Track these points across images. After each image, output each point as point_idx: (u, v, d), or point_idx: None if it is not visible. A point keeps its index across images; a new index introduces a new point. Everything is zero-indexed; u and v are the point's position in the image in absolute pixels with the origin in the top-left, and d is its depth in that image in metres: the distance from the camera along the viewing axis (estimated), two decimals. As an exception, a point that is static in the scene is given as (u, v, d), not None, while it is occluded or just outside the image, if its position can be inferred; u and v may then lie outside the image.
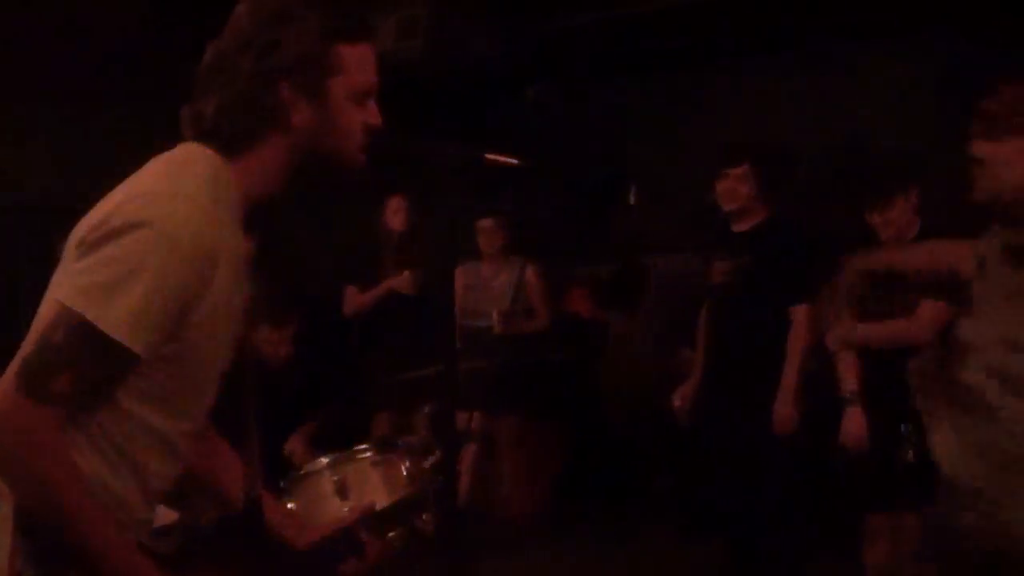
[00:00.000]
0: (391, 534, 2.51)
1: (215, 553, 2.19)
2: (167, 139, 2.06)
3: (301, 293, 6.46)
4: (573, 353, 7.46)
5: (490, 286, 6.71)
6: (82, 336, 1.79)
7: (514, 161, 2.17)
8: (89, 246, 1.84)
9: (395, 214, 6.69)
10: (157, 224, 1.82)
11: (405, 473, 3.94)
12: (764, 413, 4.93)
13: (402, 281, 6.56)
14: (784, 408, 4.90)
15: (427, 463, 3.82)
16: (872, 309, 4.76)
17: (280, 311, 5.01)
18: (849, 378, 4.80)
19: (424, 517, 3.41)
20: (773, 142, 5.34)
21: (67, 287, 1.83)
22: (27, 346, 1.83)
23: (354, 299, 6.80)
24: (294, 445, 4.95)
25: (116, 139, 6.97)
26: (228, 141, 1.98)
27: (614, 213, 8.17)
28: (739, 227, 5.15)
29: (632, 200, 8.08)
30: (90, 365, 1.81)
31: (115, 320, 1.79)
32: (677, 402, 5.43)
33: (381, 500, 3.09)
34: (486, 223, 6.74)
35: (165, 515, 2.35)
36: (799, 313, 4.97)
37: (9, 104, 6.67)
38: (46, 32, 6.24)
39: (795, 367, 4.94)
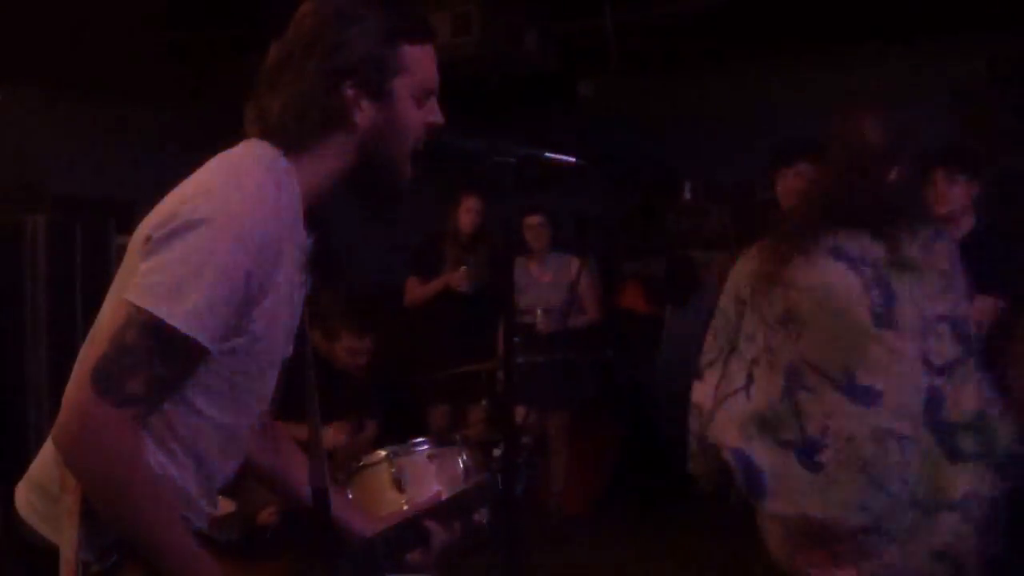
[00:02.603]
0: (453, 525, 2.52)
1: (279, 544, 2.21)
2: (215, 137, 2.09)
3: (380, 298, 6.53)
4: (626, 349, 7.46)
5: (540, 283, 6.73)
6: (154, 334, 1.81)
7: (572, 160, 2.18)
8: (156, 244, 1.85)
9: (467, 213, 6.72)
10: (221, 220, 1.84)
11: (462, 467, 4.00)
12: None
13: (458, 277, 6.60)
14: None
15: (484, 457, 3.87)
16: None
17: (361, 319, 4.97)
18: None
19: (480, 511, 3.45)
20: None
21: (136, 286, 1.84)
22: (98, 347, 1.84)
23: (414, 290, 6.86)
24: (332, 434, 4.98)
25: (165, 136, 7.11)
26: (292, 139, 2.00)
27: (668, 209, 8.16)
28: None
29: (687, 196, 8.06)
30: (163, 363, 1.82)
31: (185, 316, 1.81)
32: None
33: (439, 493, 3.11)
34: (533, 219, 6.75)
35: (223, 506, 2.39)
36: None
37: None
38: (82, 29, 6.32)
39: None
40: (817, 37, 7.10)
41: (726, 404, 3.43)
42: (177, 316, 1.80)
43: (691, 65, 7.86)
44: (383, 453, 4.00)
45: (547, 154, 2.15)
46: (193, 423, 1.96)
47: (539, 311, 6.51)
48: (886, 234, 3.18)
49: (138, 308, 1.81)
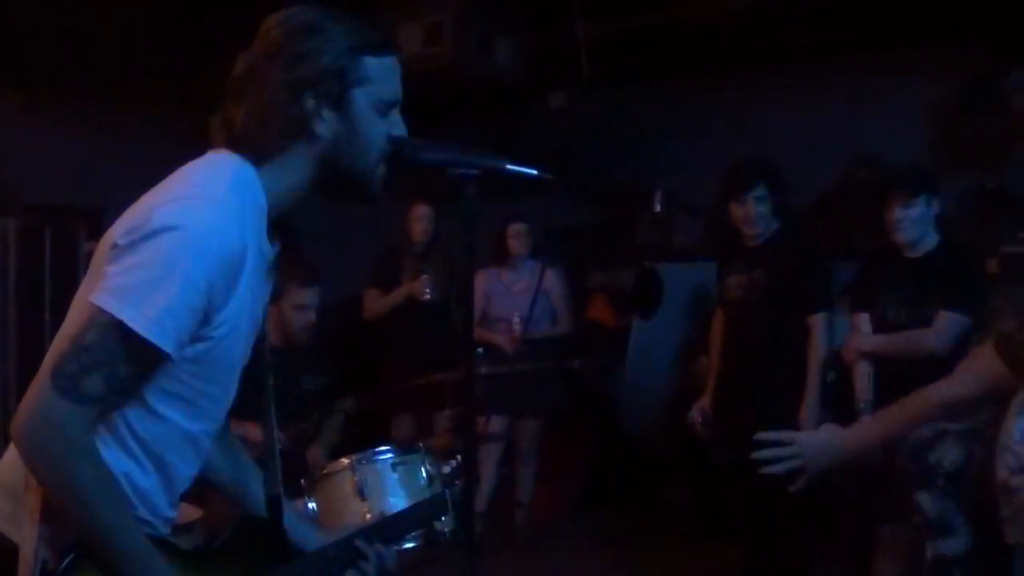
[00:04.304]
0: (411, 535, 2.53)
1: (236, 551, 2.22)
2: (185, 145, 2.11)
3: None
4: (594, 359, 7.48)
5: (512, 291, 6.75)
6: (115, 336, 1.84)
7: (534, 172, 2.20)
8: (122, 249, 1.88)
9: (417, 222, 6.76)
10: (187, 228, 1.87)
11: (425, 476, 4.01)
12: (784, 422, 4.93)
13: (420, 285, 6.61)
14: (810, 415, 4.91)
15: (447, 466, 3.88)
16: (890, 319, 4.80)
17: (306, 271, 4.90)
18: (863, 388, 4.83)
19: (442, 519, 3.47)
20: (775, 157, 5.36)
21: (100, 289, 1.87)
22: (59, 346, 1.88)
23: (374, 302, 6.86)
24: (314, 453, 4.98)
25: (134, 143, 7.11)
26: (256, 149, 2.03)
27: (638, 220, 8.18)
28: (752, 242, 5.18)
29: (658, 207, 8.08)
30: (122, 365, 1.86)
31: (147, 320, 1.84)
32: (697, 418, 5.43)
33: (400, 502, 3.12)
34: (518, 227, 6.77)
35: (188, 513, 2.40)
36: (816, 321, 5.00)
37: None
38: (61, 33, 6.31)
39: (816, 374, 4.97)
40: (790, 52, 7.15)
41: None
42: (139, 320, 1.83)
43: (663, 77, 7.90)
44: (346, 461, 4.01)
45: (509, 166, 2.16)
46: (153, 426, 1.98)
47: (515, 318, 6.53)
48: None
49: (101, 310, 1.85)
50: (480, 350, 6.29)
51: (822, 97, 7.33)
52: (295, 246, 2.22)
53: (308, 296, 4.88)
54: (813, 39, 6.83)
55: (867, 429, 3.36)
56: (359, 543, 2.39)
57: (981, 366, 2.97)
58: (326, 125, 2.03)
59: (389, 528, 2.64)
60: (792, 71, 7.39)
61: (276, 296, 4.79)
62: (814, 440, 3.06)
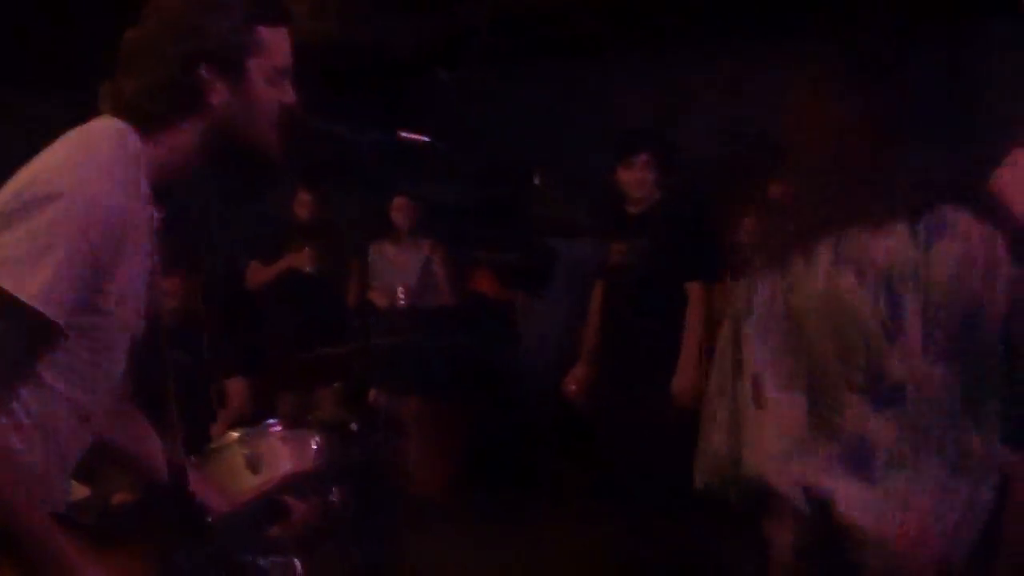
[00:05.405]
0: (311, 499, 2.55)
1: (136, 526, 2.21)
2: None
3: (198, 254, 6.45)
4: (479, 335, 7.52)
5: (395, 264, 6.76)
6: (3, 308, 1.82)
7: (426, 139, 2.23)
8: (5, 219, 1.86)
9: (302, 207, 6.74)
10: (70, 194, 1.86)
11: (315, 448, 4.02)
12: (665, 392, 5.04)
13: (302, 258, 6.58)
14: (684, 381, 5.00)
15: (338, 439, 3.89)
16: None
17: (172, 258, 4.83)
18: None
19: (334, 491, 3.49)
20: (664, 129, 5.47)
21: None
22: None
23: (257, 274, 6.82)
24: (220, 428, 4.94)
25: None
26: (144, 118, 2.03)
27: (520, 197, 8.23)
28: (635, 209, 5.28)
29: (537, 183, 8.13)
30: (11, 337, 1.84)
31: (34, 290, 1.81)
32: (571, 386, 5.51)
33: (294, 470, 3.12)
34: (401, 201, 6.79)
35: (77, 490, 2.38)
36: (695, 289, 5.10)
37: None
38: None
39: (694, 341, 5.05)
40: (679, 31, 7.23)
41: None
42: (26, 290, 1.81)
43: (549, 54, 7.94)
44: (235, 435, 4.00)
45: (402, 134, 2.19)
46: (44, 401, 1.96)
47: (399, 288, 6.53)
48: None
49: None
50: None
51: (712, 79, 7.45)
52: (173, 226, 2.21)
53: (171, 284, 4.83)
54: (706, 17, 6.91)
55: None
56: (285, 497, 2.41)
57: None
58: (219, 95, 2.05)
59: (302, 484, 2.66)
60: (681, 50, 7.48)
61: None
62: None
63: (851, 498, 2.39)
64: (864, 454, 2.38)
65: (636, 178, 5.20)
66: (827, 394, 2.46)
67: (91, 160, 1.93)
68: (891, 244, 2.38)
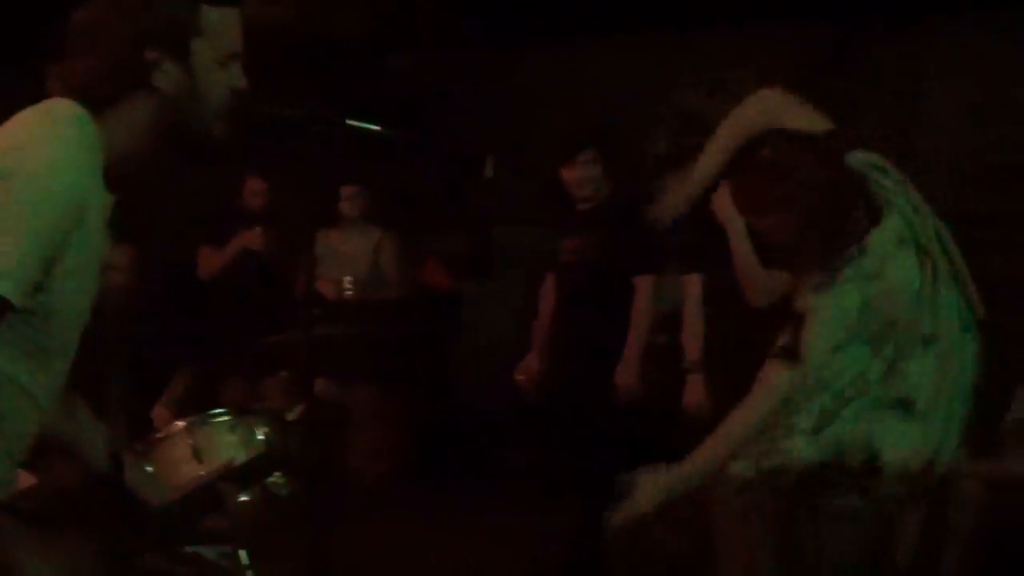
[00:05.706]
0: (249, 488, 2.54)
1: (79, 513, 2.20)
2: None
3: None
4: (427, 325, 7.51)
5: (341, 252, 6.73)
6: None
7: (376, 128, 2.21)
8: None
9: (253, 196, 6.70)
10: (27, 173, 1.85)
11: (262, 437, 4.00)
12: (610, 386, 5.03)
13: (253, 237, 6.53)
14: (627, 377, 5.00)
15: (282, 427, 3.88)
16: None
17: (117, 228, 4.76)
18: (692, 348, 4.95)
19: (277, 477, 3.47)
20: (610, 121, 5.44)
21: None
22: None
23: (209, 259, 6.75)
24: (159, 412, 4.90)
25: None
26: (94, 99, 2.01)
27: (471, 186, 8.23)
28: (584, 204, 5.25)
29: (489, 173, 8.12)
30: None
31: None
32: (520, 376, 5.50)
33: (238, 460, 3.10)
34: (349, 189, 6.75)
35: (23, 479, 2.35)
36: (642, 283, 5.09)
37: None
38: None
39: (639, 336, 5.05)
40: (636, 19, 7.24)
41: None
42: None
43: (501, 43, 7.94)
44: (181, 424, 3.97)
45: (351, 121, 2.18)
46: None
47: (346, 279, 6.50)
48: None
49: None
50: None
51: (671, 69, 7.48)
52: (125, 207, 2.19)
53: (120, 259, 4.75)
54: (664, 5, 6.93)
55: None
56: (220, 486, 2.39)
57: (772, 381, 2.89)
58: (167, 77, 2.04)
59: (242, 473, 2.64)
60: (634, 39, 7.50)
61: None
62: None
63: None
64: None
65: (580, 176, 5.15)
66: None
67: (45, 141, 1.92)
68: None
